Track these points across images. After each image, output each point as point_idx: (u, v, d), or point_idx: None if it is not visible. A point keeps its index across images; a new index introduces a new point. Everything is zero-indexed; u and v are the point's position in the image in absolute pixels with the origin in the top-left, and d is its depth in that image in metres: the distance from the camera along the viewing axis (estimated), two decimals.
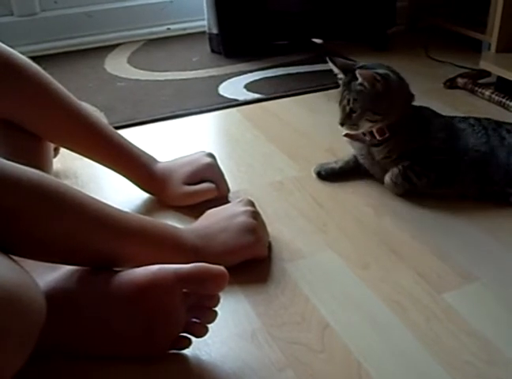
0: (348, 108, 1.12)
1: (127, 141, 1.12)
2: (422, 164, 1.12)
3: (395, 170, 1.14)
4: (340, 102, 1.14)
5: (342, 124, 1.14)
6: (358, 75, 1.09)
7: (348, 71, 1.14)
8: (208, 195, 1.12)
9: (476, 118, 1.17)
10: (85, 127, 1.06)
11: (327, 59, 1.17)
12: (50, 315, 0.66)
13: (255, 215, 0.98)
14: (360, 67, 1.14)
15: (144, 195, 1.16)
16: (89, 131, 1.07)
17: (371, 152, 1.17)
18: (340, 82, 1.16)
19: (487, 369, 0.78)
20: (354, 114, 1.11)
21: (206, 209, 1.02)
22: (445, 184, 1.13)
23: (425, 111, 1.18)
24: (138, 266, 0.79)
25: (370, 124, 1.11)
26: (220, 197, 1.14)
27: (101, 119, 1.14)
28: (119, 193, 1.18)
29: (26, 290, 0.62)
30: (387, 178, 1.15)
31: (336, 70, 1.17)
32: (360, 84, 1.10)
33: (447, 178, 1.13)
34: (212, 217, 0.98)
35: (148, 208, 1.15)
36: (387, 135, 1.12)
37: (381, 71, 1.11)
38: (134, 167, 1.12)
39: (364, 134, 1.15)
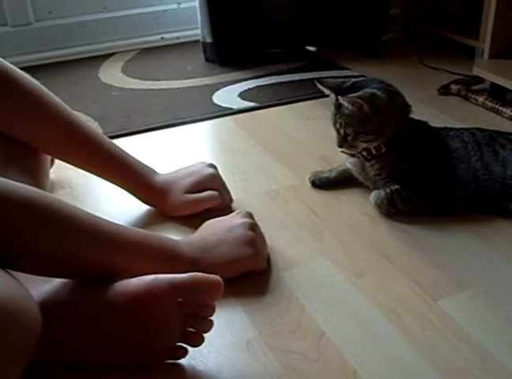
0: (342, 131, 1.11)
1: (125, 152, 1.11)
2: (411, 189, 1.11)
3: (382, 192, 1.12)
4: (334, 124, 1.13)
5: (340, 146, 1.13)
6: (342, 102, 1.08)
7: (339, 92, 1.12)
8: (211, 203, 1.11)
9: (470, 132, 1.14)
10: (82, 140, 1.05)
11: (316, 82, 1.15)
12: (46, 327, 0.66)
13: (254, 227, 0.97)
14: (352, 84, 1.13)
15: (140, 205, 1.16)
16: (86, 144, 1.06)
17: (365, 168, 1.16)
18: (332, 103, 1.14)
19: (482, 376, 0.77)
20: (349, 137, 1.11)
21: (205, 220, 1.01)
22: (435, 210, 1.12)
23: (421, 128, 1.16)
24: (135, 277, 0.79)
25: (365, 144, 1.11)
26: (223, 207, 1.13)
27: (97, 131, 1.13)
28: (114, 203, 1.18)
29: (21, 302, 0.62)
30: (372, 199, 1.13)
31: (327, 92, 1.15)
32: (347, 108, 1.09)
33: (437, 205, 1.12)
34: (211, 229, 0.98)
35: (144, 218, 1.15)
36: (383, 150, 1.12)
37: (366, 92, 1.08)
38: (133, 179, 1.11)
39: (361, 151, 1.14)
